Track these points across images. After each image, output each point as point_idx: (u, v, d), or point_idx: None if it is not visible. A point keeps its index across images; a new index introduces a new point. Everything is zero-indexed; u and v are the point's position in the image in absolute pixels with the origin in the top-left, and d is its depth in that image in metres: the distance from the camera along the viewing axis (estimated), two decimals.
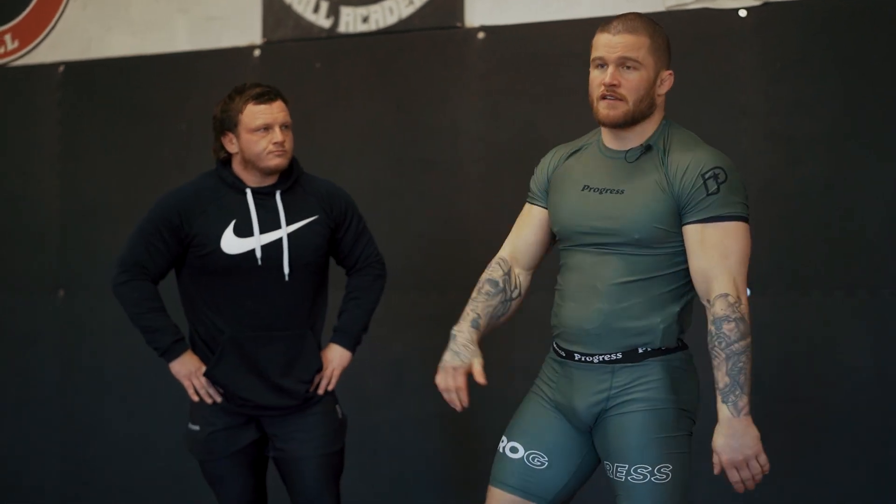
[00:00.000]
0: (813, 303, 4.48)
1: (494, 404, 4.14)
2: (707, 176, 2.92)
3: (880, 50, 4.42)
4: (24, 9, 5.76)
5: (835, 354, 4.46)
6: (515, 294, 3.16)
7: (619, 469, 2.97)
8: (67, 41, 5.67)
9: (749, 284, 4.50)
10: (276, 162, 3.59)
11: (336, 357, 3.78)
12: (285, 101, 3.65)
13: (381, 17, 5.13)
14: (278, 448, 3.72)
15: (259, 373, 3.65)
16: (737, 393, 2.86)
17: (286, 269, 3.60)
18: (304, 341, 3.68)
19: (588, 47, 4.77)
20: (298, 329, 3.66)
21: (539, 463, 3.05)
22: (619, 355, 2.96)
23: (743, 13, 4.55)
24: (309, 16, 5.25)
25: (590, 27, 4.76)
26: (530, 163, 4.76)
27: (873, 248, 4.41)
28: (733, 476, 2.90)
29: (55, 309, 5.68)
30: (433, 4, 5.03)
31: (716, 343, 2.87)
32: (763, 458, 2.90)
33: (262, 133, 3.58)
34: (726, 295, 2.86)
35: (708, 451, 2.96)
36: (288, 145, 3.61)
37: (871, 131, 4.42)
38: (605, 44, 3.02)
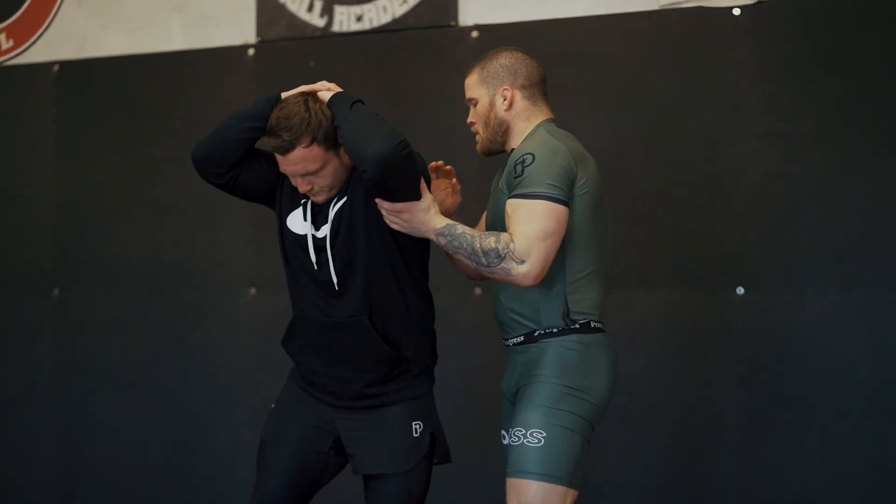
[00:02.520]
0: (808, 301, 4.48)
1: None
2: (516, 161, 3.19)
3: (874, 48, 4.42)
4: (18, 8, 5.75)
5: (830, 353, 4.47)
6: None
7: (507, 434, 3.32)
8: (62, 40, 5.67)
9: (744, 283, 4.54)
10: (314, 199, 3.30)
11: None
12: (313, 140, 3.16)
13: (374, 16, 5.13)
14: (351, 462, 3.41)
15: (321, 357, 3.38)
16: (449, 232, 3.19)
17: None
18: (358, 329, 3.31)
19: (583, 46, 4.81)
20: (354, 316, 3.31)
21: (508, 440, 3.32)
22: (521, 338, 3.29)
23: (737, 11, 4.55)
24: (303, 15, 5.24)
25: (584, 26, 4.81)
26: None
27: (868, 246, 4.42)
28: (391, 216, 3.22)
29: (51, 307, 5.68)
30: (427, 3, 5.03)
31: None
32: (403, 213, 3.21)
33: (288, 175, 3.27)
34: (510, 240, 3.09)
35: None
36: (319, 187, 3.24)
37: (865, 129, 4.42)
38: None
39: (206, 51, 5.42)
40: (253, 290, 5.31)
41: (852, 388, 4.43)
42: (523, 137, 3.33)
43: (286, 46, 5.29)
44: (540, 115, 3.37)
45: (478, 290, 4.92)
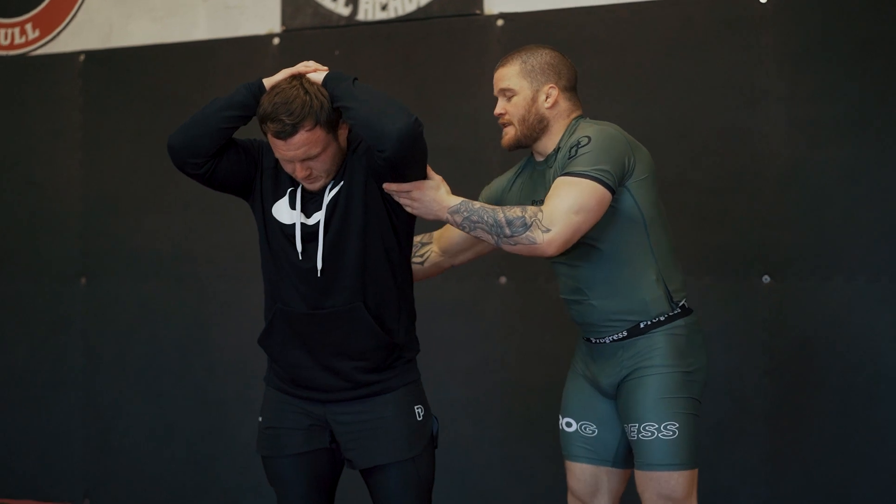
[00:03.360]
0: (835, 288, 4.46)
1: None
2: (572, 145, 3.19)
3: None
4: None
5: (857, 340, 4.45)
6: (417, 261, 3.58)
7: (631, 429, 3.25)
8: (88, 30, 5.69)
9: (770, 271, 4.52)
10: (309, 187, 3.20)
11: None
12: (316, 123, 3.07)
13: (399, 5, 5.13)
14: (347, 458, 3.28)
15: (309, 350, 3.24)
16: (466, 208, 3.15)
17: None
18: (353, 316, 3.19)
19: (609, 34, 4.79)
20: (349, 303, 3.19)
21: (591, 431, 3.39)
22: (625, 333, 3.27)
23: None
24: (328, 4, 5.24)
25: (609, 13, 4.79)
26: None
27: None
28: (404, 197, 3.17)
29: (78, 296, 5.70)
30: None
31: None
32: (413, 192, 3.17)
33: (286, 161, 3.16)
34: (539, 210, 3.09)
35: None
36: (317, 172, 3.14)
37: (893, 115, 4.40)
38: (494, 81, 3.41)
39: (231, 40, 5.42)
40: None
41: (879, 376, 4.42)
42: (560, 135, 3.32)
43: (311, 35, 5.29)
44: (575, 112, 3.37)
45: (503, 279, 4.92)
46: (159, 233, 5.53)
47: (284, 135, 3.05)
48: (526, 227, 3.07)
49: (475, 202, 3.16)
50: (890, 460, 4.41)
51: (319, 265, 3.17)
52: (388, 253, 3.22)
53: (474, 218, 3.13)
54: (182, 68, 5.51)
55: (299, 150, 3.08)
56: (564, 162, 3.17)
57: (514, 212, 3.09)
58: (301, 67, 3.17)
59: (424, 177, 3.15)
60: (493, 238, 3.12)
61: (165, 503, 5.53)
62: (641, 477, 3.25)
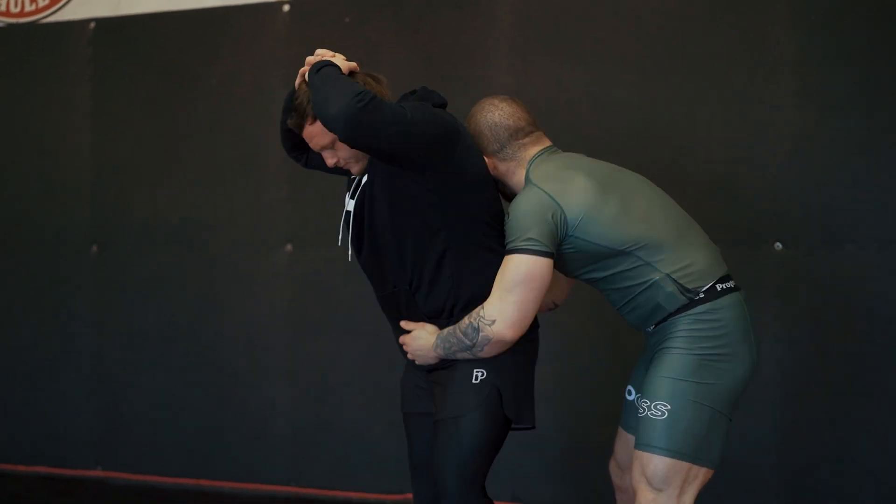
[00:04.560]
0: (847, 256, 4.46)
1: None
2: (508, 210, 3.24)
3: None
4: None
5: (868, 308, 4.45)
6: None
7: (636, 398, 3.37)
8: None
9: (782, 238, 4.52)
10: (351, 171, 3.30)
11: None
12: (315, 116, 3.15)
13: None
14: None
15: (393, 329, 3.41)
16: (441, 342, 3.22)
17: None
18: (400, 300, 3.31)
19: (618, 5, 4.77)
20: (395, 287, 3.29)
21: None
22: (654, 325, 3.27)
23: None
24: None
25: None
26: (560, 118, 4.77)
27: None
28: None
29: (88, 265, 5.71)
30: None
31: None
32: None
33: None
34: (481, 307, 3.15)
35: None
36: (343, 159, 3.24)
37: None
38: None
39: (242, 7, 5.41)
40: (289, 247, 5.32)
41: (891, 343, 4.42)
42: (521, 185, 3.30)
43: (321, 3, 5.27)
44: (526, 159, 3.31)
45: None
46: (170, 202, 5.54)
47: (298, 129, 3.21)
48: (476, 330, 3.13)
49: (444, 330, 3.21)
50: None
51: (349, 252, 3.31)
52: (432, 238, 3.21)
53: (447, 346, 3.20)
54: (192, 36, 5.50)
55: (313, 142, 3.22)
56: None
57: (464, 322, 3.16)
58: (314, 56, 3.21)
59: (402, 153, 3.09)
60: (469, 355, 3.18)
61: (175, 471, 5.56)
62: (633, 454, 3.23)
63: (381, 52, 5.13)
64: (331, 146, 3.21)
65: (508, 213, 3.19)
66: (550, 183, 3.19)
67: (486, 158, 3.30)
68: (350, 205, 3.31)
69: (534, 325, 3.31)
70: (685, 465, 3.12)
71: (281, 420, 5.36)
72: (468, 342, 3.15)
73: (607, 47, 4.73)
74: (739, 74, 4.58)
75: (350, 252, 3.31)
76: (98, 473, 5.69)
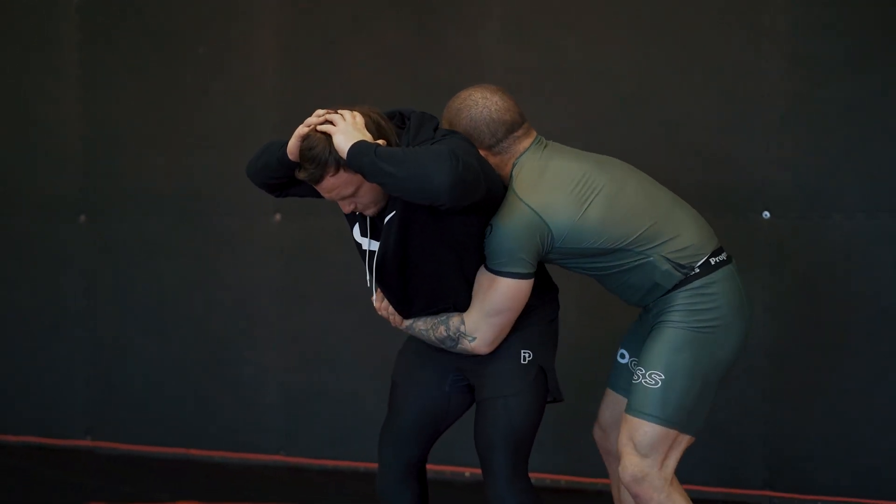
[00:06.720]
0: (834, 225, 4.48)
1: None
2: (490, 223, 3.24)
3: None
4: None
5: (857, 276, 4.47)
6: None
7: (629, 361, 3.47)
8: None
9: (770, 207, 4.53)
10: (367, 214, 3.26)
11: None
12: (338, 167, 3.06)
13: None
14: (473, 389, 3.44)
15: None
16: (414, 325, 3.33)
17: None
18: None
19: None
20: (442, 306, 3.31)
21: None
22: (652, 302, 3.34)
23: None
24: None
25: None
26: (553, 87, 4.77)
27: (895, 170, 4.40)
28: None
29: (78, 233, 5.70)
30: None
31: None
32: None
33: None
34: (461, 322, 3.24)
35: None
36: (362, 205, 3.19)
37: (894, 51, 4.39)
38: None
39: None
40: (278, 217, 5.32)
41: (879, 311, 4.44)
42: (510, 178, 3.29)
43: None
44: (518, 152, 3.31)
45: None
46: (160, 170, 5.52)
47: (314, 181, 3.11)
48: (455, 341, 3.24)
49: (420, 321, 3.30)
50: (890, 395, 4.44)
51: (374, 291, 3.33)
52: (464, 269, 3.26)
53: (415, 332, 3.33)
54: (181, 4, 5.47)
55: (333, 192, 3.13)
56: None
57: (440, 332, 3.26)
58: (310, 120, 3.11)
59: (492, 197, 3.16)
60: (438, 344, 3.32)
61: (167, 440, 5.57)
62: (622, 418, 3.31)
63: (372, 20, 5.11)
64: (352, 195, 3.13)
65: (491, 227, 3.18)
66: (535, 195, 3.19)
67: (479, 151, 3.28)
68: (367, 244, 3.27)
69: (555, 307, 3.42)
70: (673, 432, 3.21)
71: (272, 389, 5.37)
72: (440, 344, 3.29)
73: (602, 15, 4.73)
74: (729, 41, 4.59)
75: (391, 296, 3.30)
76: (88, 443, 5.71)
